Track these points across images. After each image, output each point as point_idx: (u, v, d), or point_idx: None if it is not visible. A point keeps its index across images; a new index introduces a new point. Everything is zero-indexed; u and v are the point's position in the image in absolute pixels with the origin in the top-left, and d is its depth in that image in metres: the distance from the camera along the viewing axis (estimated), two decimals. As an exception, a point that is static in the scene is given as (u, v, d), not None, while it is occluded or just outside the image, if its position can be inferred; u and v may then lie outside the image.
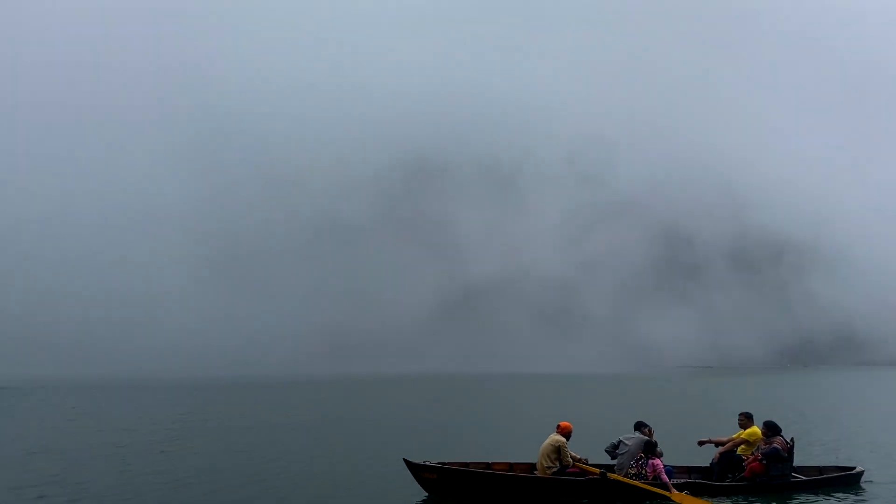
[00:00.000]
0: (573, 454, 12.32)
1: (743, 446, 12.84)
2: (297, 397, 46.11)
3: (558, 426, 12.55)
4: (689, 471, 13.10)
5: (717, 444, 13.26)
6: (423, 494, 11.75)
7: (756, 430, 12.84)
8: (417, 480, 11.81)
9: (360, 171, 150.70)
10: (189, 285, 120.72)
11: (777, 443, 12.35)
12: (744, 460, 12.56)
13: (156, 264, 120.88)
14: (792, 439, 12.54)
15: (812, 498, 11.75)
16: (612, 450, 12.56)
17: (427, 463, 11.83)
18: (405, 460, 11.81)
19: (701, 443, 13.56)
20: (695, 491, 11.56)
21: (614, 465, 12.29)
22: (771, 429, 12.58)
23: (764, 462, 12.17)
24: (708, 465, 13.10)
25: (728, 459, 12.81)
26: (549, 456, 12.14)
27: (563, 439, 12.27)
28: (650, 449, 12.02)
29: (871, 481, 12.82)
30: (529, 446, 13.82)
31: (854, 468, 12.98)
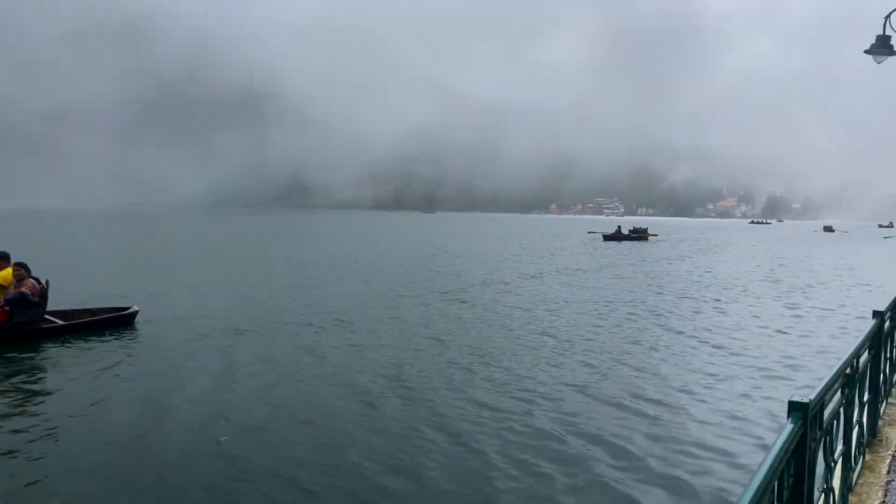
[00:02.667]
0: None
1: (-6, 291, 10.30)
2: None
3: None
4: None
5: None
6: None
7: (8, 272, 10.35)
8: None
9: None
10: None
11: (27, 286, 10.14)
12: (-11, 307, 10.05)
13: None
14: (47, 282, 10.51)
15: (82, 341, 10.13)
16: None
17: None
18: None
19: None
20: None
21: None
22: (25, 269, 10.29)
23: (7, 308, 9.87)
24: None
25: (-28, 307, 10.11)
26: None
27: None
28: None
29: (146, 321, 11.89)
30: None
31: (129, 308, 11.83)
